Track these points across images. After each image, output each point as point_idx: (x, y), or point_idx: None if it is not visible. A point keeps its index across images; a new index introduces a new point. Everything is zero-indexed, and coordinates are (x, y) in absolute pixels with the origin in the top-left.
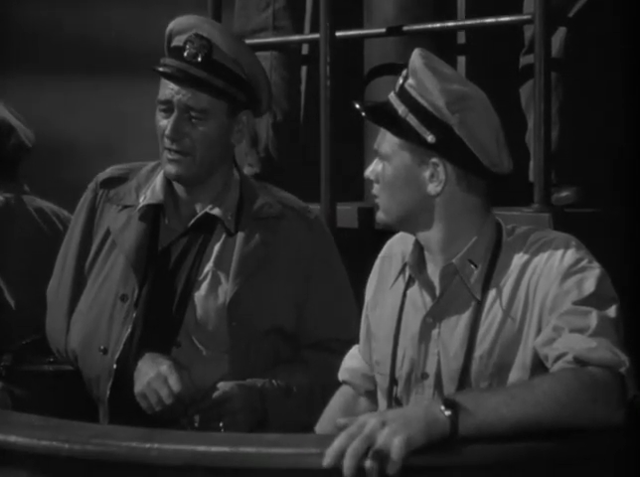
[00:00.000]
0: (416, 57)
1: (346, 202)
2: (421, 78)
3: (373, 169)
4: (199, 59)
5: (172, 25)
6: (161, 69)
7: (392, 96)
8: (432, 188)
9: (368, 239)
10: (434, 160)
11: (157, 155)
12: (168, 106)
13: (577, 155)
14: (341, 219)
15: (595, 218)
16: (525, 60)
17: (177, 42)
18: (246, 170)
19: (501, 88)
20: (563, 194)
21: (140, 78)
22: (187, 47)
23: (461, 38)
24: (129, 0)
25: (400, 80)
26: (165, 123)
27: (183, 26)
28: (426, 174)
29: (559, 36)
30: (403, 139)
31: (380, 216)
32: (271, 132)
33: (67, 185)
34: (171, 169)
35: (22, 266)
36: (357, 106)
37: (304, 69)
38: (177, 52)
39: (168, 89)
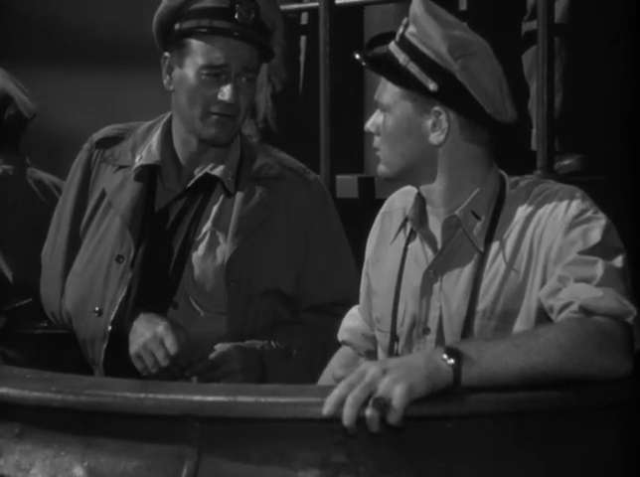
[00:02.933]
0: (417, 3)
1: (346, 172)
2: (423, 24)
3: (373, 121)
4: (250, 20)
5: None
6: (210, 30)
7: (392, 46)
8: (435, 137)
9: (368, 210)
10: (436, 109)
11: None
12: (221, 70)
13: (580, 122)
14: (341, 189)
15: (598, 185)
16: (527, 27)
17: (214, 3)
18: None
19: (503, 56)
20: (566, 162)
21: (139, 68)
22: (237, 7)
23: (463, 4)
24: None
25: (401, 29)
26: (214, 90)
27: None
28: (428, 123)
29: (561, 1)
30: (405, 88)
31: (381, 168)
32: (270, 103)
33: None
34: (219, 134)
35: (19, 237)
36: (357, 56)
37: (303, 39)
38: (222, 13)
39: (222, 53)
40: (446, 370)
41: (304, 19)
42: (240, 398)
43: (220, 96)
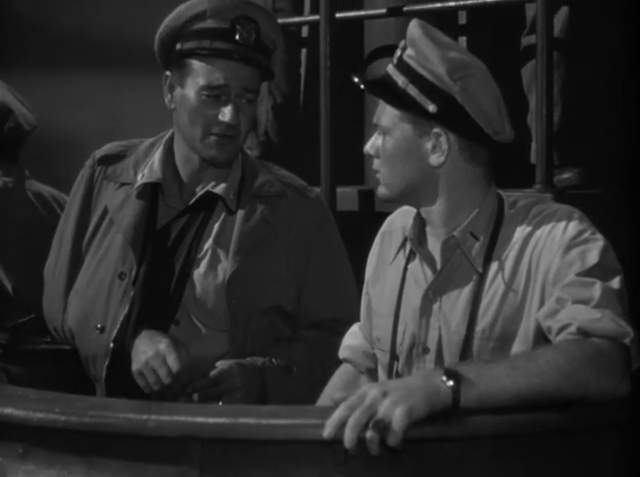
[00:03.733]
0: (414, 27)
1: (346, 184)
2: (421, 47)
3: (372, 143)
4: (251, 41)
5: (204, 5)
6: (210, 52)
7: (390, 68)
8: (435, 159)
9: (368, 222)
10: (436, 130)
11: None
12: (222, 91)
13: (579, 136)
14: (341, 201)
15: (597, 199)
16: (526, 41)
17: (215, 24)
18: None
19: (502, 69)
20: (566, 175)
21: (138, 71)
22: (237, 28)
23: (462, 18)
24: None
25: (399, 52)
26: (214, 111)
27: (226, 6)
28: (428, 145)
29: (561, 15)
30: (404, 111)
31: (381, 190)
32: (271, 115)
33: (63, 179)
34: (219, 154)
35: (19, 250)
36: (355, 80)
37: (304, 51)
38: (222, 34)
39: (222, 74)
40: (445, 392)
41: (305, 32)
42: (242, 420)
43: (220, 117)
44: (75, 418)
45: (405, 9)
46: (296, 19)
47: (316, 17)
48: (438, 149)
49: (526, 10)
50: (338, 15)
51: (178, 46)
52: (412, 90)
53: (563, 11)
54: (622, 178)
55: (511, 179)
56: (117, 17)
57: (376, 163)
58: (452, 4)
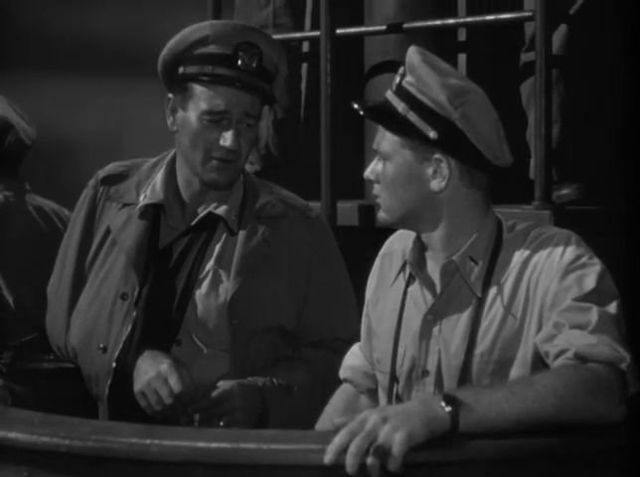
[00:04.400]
0: (413, 53)
1: (346, 199)
2: (420, 74)
3: (372, 169)
4: (253, 67)
5: (207, 30)
6: (212, 79)
7: (389, 95)
8: (436, 184)
9: (368, 237)
10: (437, 156)
11: (154, 153)
12: (223, 116)
13: (578, 152)
14: (341, 216)
15: (596, 215)
16: (525, 57)
17: (217, 49)
18: (247, 167)
19: (501, 86)
20: (564, 191)
21: (140, 76)
22: (240, 54)
23: (462, 35)
24: (129, 0)
25: (398, 78)
26: (215, 135)
27: (228, 33)
28: (429, 171)
29: (559, 33)
30: (405, 137)
31: (382, 215)
32: (272, 130)
33: (66, 184)
34: (220, 177)
35: (20, 264)
36: (355, 106)
37: (304, 66)
38: (225, 59)
39: (223, 99)
40: (444, 417)
41: (305, 47)
42: (243, 445)
43: (221, 142)
44: (78, 443)
45: (405, 26)
46: (297, 35)
47: (317, 33)
48: (439, 175)
49: (525, 27)
50: (338, 31)
51: (180, 69)
52: (413, 117)
53: (562, 28)
54: (621, 193)
55: (510, 195)
56: (119, 22)
57: (376, 188)
58: (452, 21)
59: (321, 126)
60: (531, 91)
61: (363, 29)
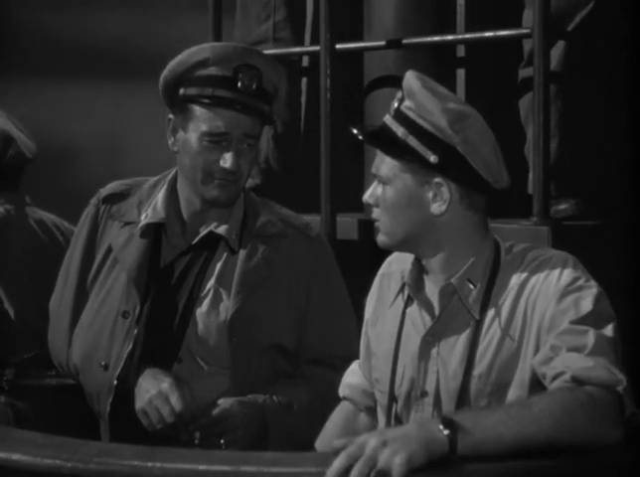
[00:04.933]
0: (412, 79)
1: (346, 213)
2: (420, 99)
3: (371, 193)
4: (253, 89)
5: (207, 53)
6: (212, 101)
7: (388, 119)
8: (437, 208)
9: (368, 251)
10: (437, 180)
11: (155, 158)
12: (223, 138)
13: (576, 167)
14: (341, 230)
15: (594, 230)
16: (524, 72)
17: (218, 71)
18: (248, 181)
19: (500, 101)
20: (562, 206)
21: (139, 82)
22: (240, 76)
23: (460, 51)
24: (129, 4)
25: (396, 103)
26: (215, 156)
27: (227, 55)
28: (429, 194)
29: (557, 49)
30: (405, 161)
31: (381, 238)
32: (272, 143)
33: (66, 189)
34: (221, 194)
35: (22, 277)
36: (355, 131)
37: (304, 80)
38: (225, 81)
39: (223, 121)
40: (442, 440)
41: (305, 61)
42: (244, 468)
43: (221, 163)
44: (81, 465)
45: (405, 41)
46: (296, 49)
47: (316, 48)
48: (439, 198)
49: (523, 43)
50: (338, 46)
51: (181, 91)
52: (413, 141)
53: (560, 44)
54: (619, 209)
55: (508, 209)
56: (119, 27)
57: (375, 212)
58: (450, 38)
59: (321, 141)
60: (529, 107)
61: (362, 44)
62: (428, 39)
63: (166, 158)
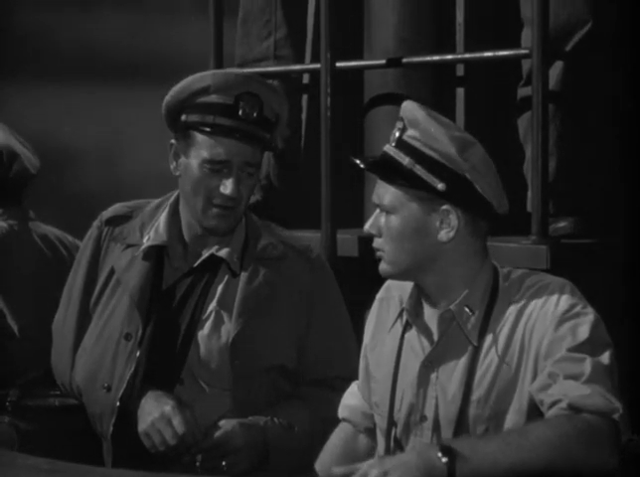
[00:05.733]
0: (415, 109)
1: (346, 228)
2: (427, 128)
3: (373, 223)
4: (253, 117)
5: (209, 80)
6: (213, 129)
7: (390, 149)
8: (444, 234)
9: (368, 268)
10: (445, 207)
11: (154, 163)
12: (223, 166)
13: (575, 185)
14: (341, 247)
15: (593, 248)
16: (523, 91)
17: (219, 99)
18: None
19: (499, 120)
20: (561, 224)
21: (137, 85)
22: (241, 105)
23: (460, 70)
24: (129, 8)
25: (397, 133)
26: (216, 182)
27: (228, 83)
28: (437, 221)
29: (556, 68)
30: (413, 190)
31: (385, 268)
32: (273, 160)
33: (65, 192)
34: (220, 224)
35: (25, 292)
36: (357, 162)
37: (305, 97)
38: (226, 109)
39: (224, 149)
40: (441, 467)
41: (306, 78)
42: None
43: (222, 189)
44: None
45: (405, 60)
46: (297, 67)
47: (317, 66)
48: (447, 225)
49: (522, 62)
50: (338, 64)
51: (183, 117)
52: (420, 171)
53: (559, 64)
54: (618, 227)
55: (507, 227)
56: (118, 31)
57: (377, 242)
58: (450, 57)
59: (321, 158)
60: (528, 125)
61: (362, 62)
62: (428, 58)
63: (165, 162)
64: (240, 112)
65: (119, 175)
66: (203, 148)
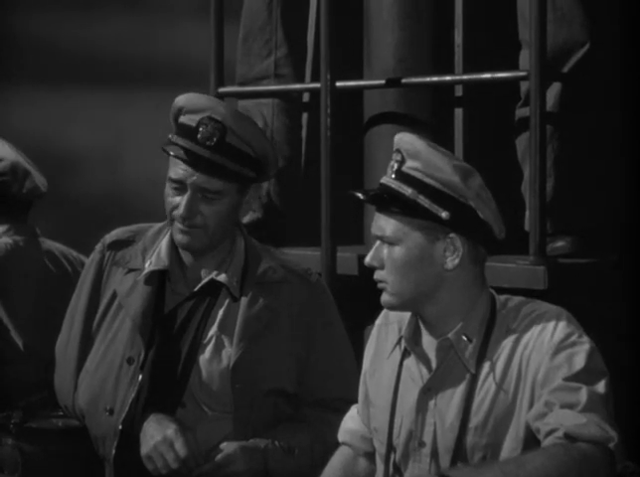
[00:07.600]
0: (415, 140)
1: (346, 245)
2: (429, 158)
3: (374, 255)
4: (213, 142)
5: (183, 101)
6: (172, 151)
7: (390, 182)
8: (450, 262)
9: (368, 286)
10: (450, 235)
11: (153, 167)
12: (180, 186)
13: (573, 205)
14: (341, 266)
15: (591, 268)
16: (520, 112)
17: (187, 120)
18: (249, 215)
19: (498, 140)
20: (559, 244)
21: (138, 89)
22: (200, 129)
23: (459, 91)
24: (131, 13)
25: (396, 165)
26: (177, 200)
27: (196, 106)
28: (441, 250)
29: (554, 89)
30: (416, 220)
31: (388, 299)
32: (273, 178)
33: (65, 196)
34: (182, 240)
35: (30, 308)
36: (359, 195)
37: (305, 115)
38: (189, 132)
39: (181, 170)
40: None
41: (306, 97)
42: None
43: (177, 208)
44: None
45: (404, 81)
46: (297, 86)
47: (317, 85)
48: (450, 252)
49: (520, 83)
50: (338, 84)
51: (170, 134)
52: (423, 201)
53: (556, 85)
54: (616, 246)
55: (505, 246)
56: (116, 35)
57: (379, 274)
58: (448, 78)
59: (321, 176)
60: (526, 146)
61: (362, 82)
62: (427, 79)
63: (165, 166)
64: (199, 136)
65: (121, 179)
66: (170, 166)
